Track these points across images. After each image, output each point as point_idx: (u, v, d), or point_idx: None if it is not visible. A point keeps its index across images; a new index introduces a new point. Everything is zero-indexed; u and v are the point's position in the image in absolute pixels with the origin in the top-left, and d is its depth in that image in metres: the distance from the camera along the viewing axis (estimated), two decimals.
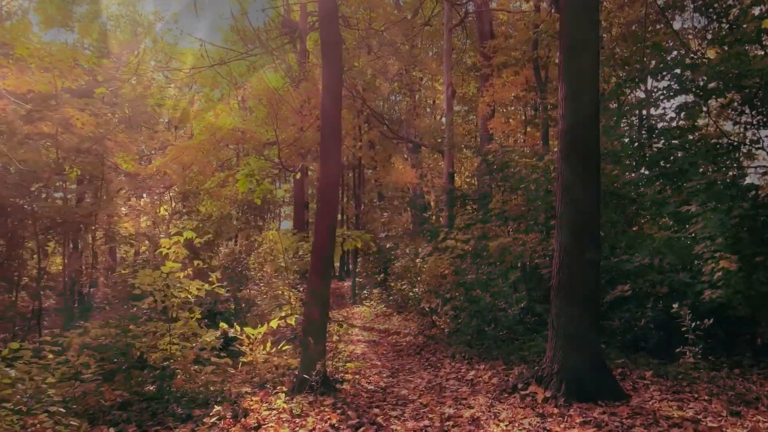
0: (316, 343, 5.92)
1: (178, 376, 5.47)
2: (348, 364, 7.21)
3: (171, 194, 16.46)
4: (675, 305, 6.59)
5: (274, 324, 5.71)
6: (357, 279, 21.03)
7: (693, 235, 7.49)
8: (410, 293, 12.32)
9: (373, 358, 9.02)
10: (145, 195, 15.61)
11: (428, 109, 26.72)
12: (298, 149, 16.47)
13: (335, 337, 7.34)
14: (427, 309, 10.99)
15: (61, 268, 12.57)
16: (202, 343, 5.44)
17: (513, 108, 19.56)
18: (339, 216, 35.15)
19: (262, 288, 10.39)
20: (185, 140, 14.64)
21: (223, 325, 5.93)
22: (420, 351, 9.41)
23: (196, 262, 7.38)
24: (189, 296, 5.96)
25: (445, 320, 11.68)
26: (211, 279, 7.00)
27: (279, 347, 5.72)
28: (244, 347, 5.64)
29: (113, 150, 12.35)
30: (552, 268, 6.10)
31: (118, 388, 5.40)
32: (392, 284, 14.97)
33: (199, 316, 5.92)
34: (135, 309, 6.77)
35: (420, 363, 8.37)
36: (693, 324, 6.39)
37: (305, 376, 5.71)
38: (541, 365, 6.08)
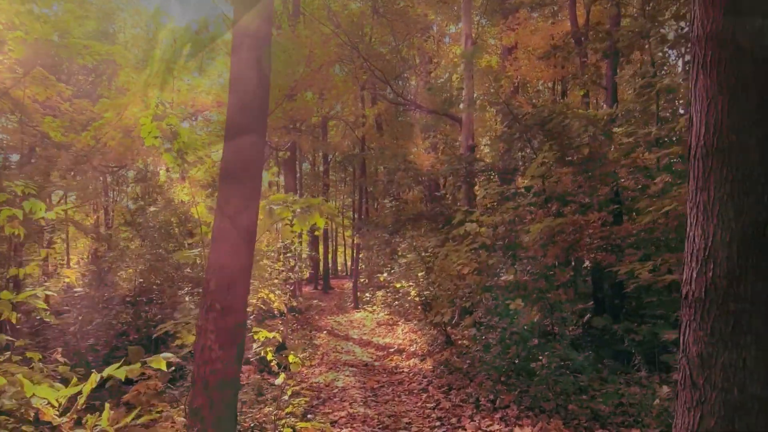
0: (213, 409, 2.98)
1: None
2: (300, 425, 4.25)
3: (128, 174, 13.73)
4: None
5: (110, 371, 2.79)
6: (360, 279, 18.19)
7: None
8: (416, 298, 9.27)
9: (357, 399, 6.04)
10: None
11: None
12: (284, 121, 13.62)
13: (281, 378, 4.41)
14: (442, 323, 7.92)
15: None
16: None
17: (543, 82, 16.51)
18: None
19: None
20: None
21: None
22: (427, 387, 6.39)
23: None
24: None
25: (464, 335, 8.64)
26: (68, 278, 4.13)
27: (133, 415, 2.84)
28: (52, 418, 2.75)
29: (36, 111, 9.57)
30: (690, 259, 3.02)
31: None
32: (396, 285, 11.95)
33: None
34: None
35: (425, 412, 5.36)
36: None
37: None
38: None
